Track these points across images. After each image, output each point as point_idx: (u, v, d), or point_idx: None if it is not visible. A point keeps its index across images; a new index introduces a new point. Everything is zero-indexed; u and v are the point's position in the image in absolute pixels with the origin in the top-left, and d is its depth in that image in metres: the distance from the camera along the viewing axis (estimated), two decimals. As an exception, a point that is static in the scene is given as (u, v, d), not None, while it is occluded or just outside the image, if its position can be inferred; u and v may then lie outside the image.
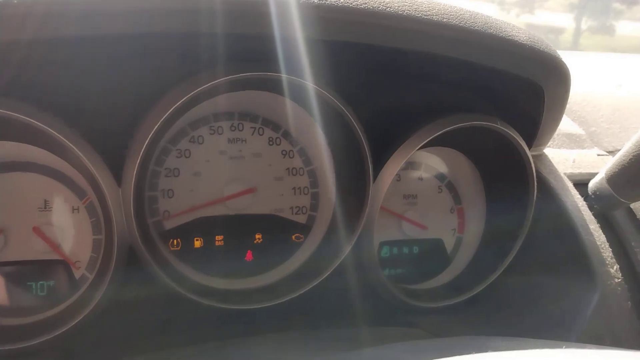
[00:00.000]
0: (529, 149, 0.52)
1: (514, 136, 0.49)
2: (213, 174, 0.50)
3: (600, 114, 0.62)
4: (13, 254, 0.45)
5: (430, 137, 0.47)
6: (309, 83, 0.42)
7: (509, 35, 0.43)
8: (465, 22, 0.41)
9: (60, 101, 0.41)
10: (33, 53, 0.37)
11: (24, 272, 0.46)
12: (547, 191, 0.53)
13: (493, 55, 0.44)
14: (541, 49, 0.45)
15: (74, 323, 0.42)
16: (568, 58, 0.47)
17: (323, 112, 0.47)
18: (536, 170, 0.53)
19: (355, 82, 0.49)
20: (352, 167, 0.50)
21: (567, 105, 0.63)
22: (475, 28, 0.42)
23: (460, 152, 0.57)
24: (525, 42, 0.44)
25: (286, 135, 0.53)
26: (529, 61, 0.45)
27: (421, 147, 0.50)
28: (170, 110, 0.38)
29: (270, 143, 0.53)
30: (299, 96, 0.46)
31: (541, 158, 0.56)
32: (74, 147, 0.37)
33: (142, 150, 0.38)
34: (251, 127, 0.52)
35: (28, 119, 0.36)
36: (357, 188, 0.50)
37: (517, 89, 0.49)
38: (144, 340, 0.46)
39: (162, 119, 0.38)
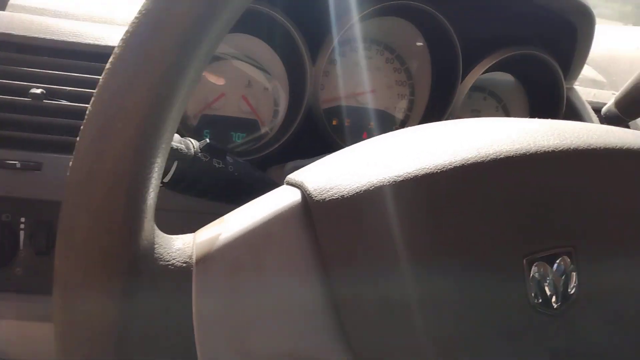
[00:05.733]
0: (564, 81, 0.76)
1: (556, 66, 0.73)
2: (349, 76, 0.77)
3: (620, 67, 0.85)
4: (228, 111, 0.73)
5: (498, 59, 0.72)
6: (430, 9, 0.66)
7: None
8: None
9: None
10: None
11: (231, 124, 0.73)
12: (574, 111, 0.78)
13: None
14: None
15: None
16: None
17: (432, 35, 0.73)
18: (567, 97, 0.77)
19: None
20: (442, 84, 0.75)
21: (595, 61, 0.87)
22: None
23: (514, 78, 0.81)
24: None
25: (398, 57, 0.79)
26: (568, 4, 0.69)
27: (486, 71, 0.74)
28: (349, 25, 0.64)
29: (387, 62, 0.79)
30: (418, 21, 0.72)
31: (572, 90, 0.79)
32: (297, 39, 0.64)
33: (332, 45, 0.65)
34: (376, 49, 0.78)
35: (271, 12, 0.62)
36: (443, 99, 0.75)
37: (557, 29, 0.73)
38: None
39: (343, 30, 0.65)
